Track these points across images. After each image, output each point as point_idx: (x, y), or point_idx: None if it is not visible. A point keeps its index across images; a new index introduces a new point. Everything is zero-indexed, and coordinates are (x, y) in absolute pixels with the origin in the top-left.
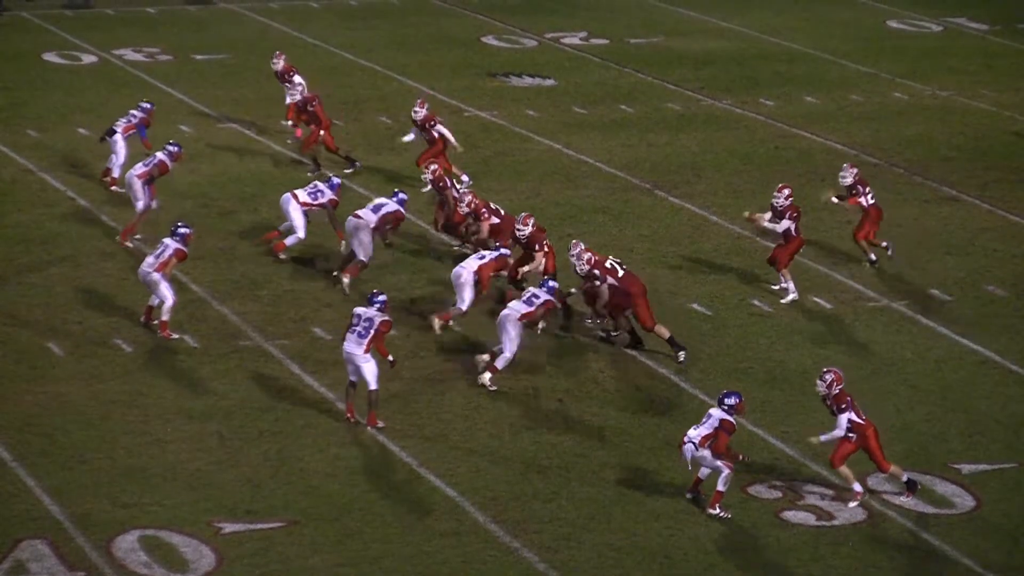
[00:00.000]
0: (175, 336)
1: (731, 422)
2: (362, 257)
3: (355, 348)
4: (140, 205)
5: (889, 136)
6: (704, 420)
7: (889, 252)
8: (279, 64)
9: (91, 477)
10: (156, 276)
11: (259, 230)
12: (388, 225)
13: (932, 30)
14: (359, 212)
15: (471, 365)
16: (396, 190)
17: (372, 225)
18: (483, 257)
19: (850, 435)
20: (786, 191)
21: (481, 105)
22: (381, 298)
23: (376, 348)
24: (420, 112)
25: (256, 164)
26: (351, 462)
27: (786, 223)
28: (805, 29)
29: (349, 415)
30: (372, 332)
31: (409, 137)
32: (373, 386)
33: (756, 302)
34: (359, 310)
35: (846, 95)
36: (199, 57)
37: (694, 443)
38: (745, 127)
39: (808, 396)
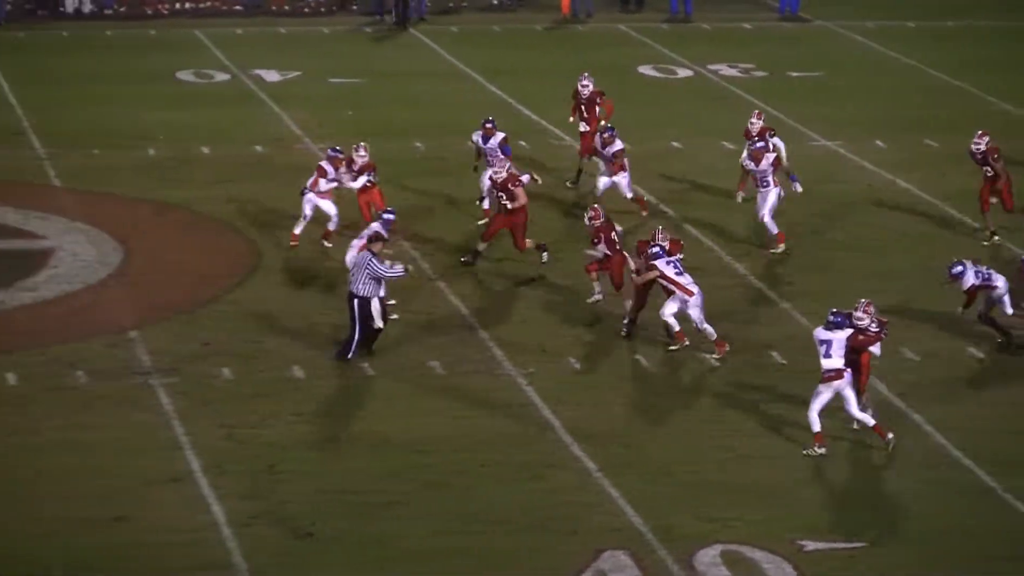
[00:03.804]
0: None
1: None
2: None
3: None
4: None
5: None
6: None
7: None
8: None
9: (676, 490)
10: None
11: (835, 247)
12: None
13: None
14: None
15: None
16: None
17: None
18: None
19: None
20: None
21: None
22: None
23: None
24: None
25: (847, 185)
26: (939, 486)
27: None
28: None
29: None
30: None
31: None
32: None
33: None
34: None
35: None
36: (793, 74)
37: None
38: None
39: None
